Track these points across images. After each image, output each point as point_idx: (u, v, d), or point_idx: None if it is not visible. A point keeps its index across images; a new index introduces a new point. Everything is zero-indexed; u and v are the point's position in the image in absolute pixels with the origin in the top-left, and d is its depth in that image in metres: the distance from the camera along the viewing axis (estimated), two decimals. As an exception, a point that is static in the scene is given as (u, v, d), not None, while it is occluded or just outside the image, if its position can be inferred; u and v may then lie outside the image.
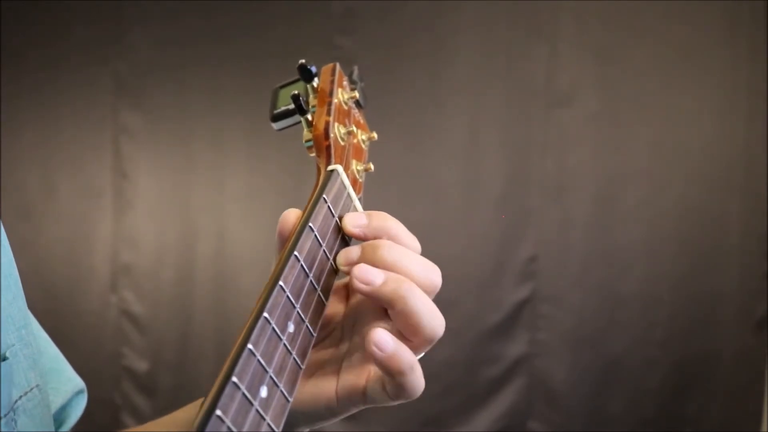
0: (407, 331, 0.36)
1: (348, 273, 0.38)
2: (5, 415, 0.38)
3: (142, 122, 2.10)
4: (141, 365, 2.08)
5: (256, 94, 2.01)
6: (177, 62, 2.08)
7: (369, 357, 0.38)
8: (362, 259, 0.38)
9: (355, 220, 0.40)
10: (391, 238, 0.39)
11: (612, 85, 1.89)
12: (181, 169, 2.10)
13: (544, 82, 1.90)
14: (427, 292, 0.37)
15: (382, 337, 0.35)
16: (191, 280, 2.07)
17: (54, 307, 2.08)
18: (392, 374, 0.35)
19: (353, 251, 0.39)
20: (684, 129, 1.86)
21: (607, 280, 1.89)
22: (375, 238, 0.39)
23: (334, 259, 0.40)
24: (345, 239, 0.41)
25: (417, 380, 0.36)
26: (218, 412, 0.27)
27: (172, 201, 2.11)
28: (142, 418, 2.04)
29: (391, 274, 0.36)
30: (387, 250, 0.37)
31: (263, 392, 0.31)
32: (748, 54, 1.81)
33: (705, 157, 1.85)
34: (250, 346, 0.30)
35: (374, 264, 0.37)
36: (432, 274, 0.38)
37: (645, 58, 1.86)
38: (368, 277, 0.36)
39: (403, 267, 0.37)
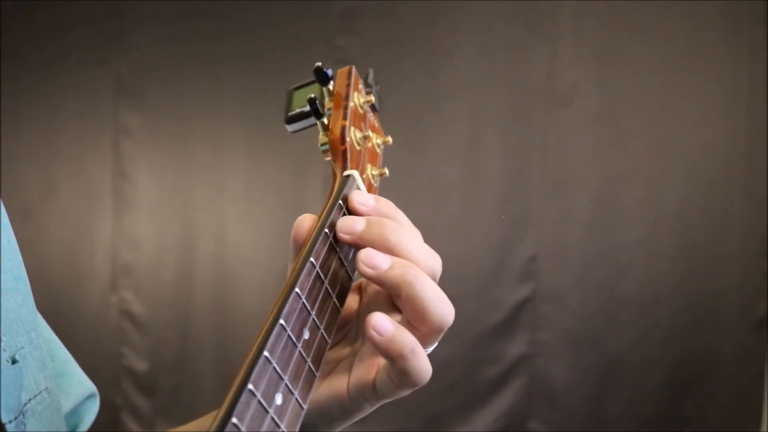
0: (415, 318, 0.36)
1: (348, 242, 0.37)
2: (15, 419, 0.38)
3: (142, 122, 2.10)
4: (141, 365, 2.08)
5: (256, 94, 2.02)
6: (177, 62, 2.07)
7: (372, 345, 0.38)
8: (366, 232, 0.37)
9: (362, 198, 0.39)
10: (395, 222, 0.38)
11: (612, 85, 1.89)
12: (180, 169, 2.10)
13: (544, 82, 1.90)
14: None
15: (379, 321, 0.34)
16: (191, 280, 2.07)
17: (54, 307, 2.07)
18: (393, 359, 0.34)
19: (358, 222, 0.37)
20: (684, 129, 1.86)
21: (607, 279, 1.88)
22: None
23: (350, 266, 0.39)
24: None
25: (420, 364, 0.35)
26: (234, 419, 0.27)
27: (172, 201, 2.11)
28: (142, 418, 2.04)
29: (398, 259, 0.36)
30: (392, 230, 0.37)
31: (278, 399, 0.30)
32: (748, 54, 1.81)
33: (705, 157, 1.85)
34: (266, 353, 0.30)
35: (377, 241, 0.36)
36: (433, 261, 0.38)
37: (645, 58, 1.86)
38: (374, 261, 0.35)
39: (405, 249, 0.36)
